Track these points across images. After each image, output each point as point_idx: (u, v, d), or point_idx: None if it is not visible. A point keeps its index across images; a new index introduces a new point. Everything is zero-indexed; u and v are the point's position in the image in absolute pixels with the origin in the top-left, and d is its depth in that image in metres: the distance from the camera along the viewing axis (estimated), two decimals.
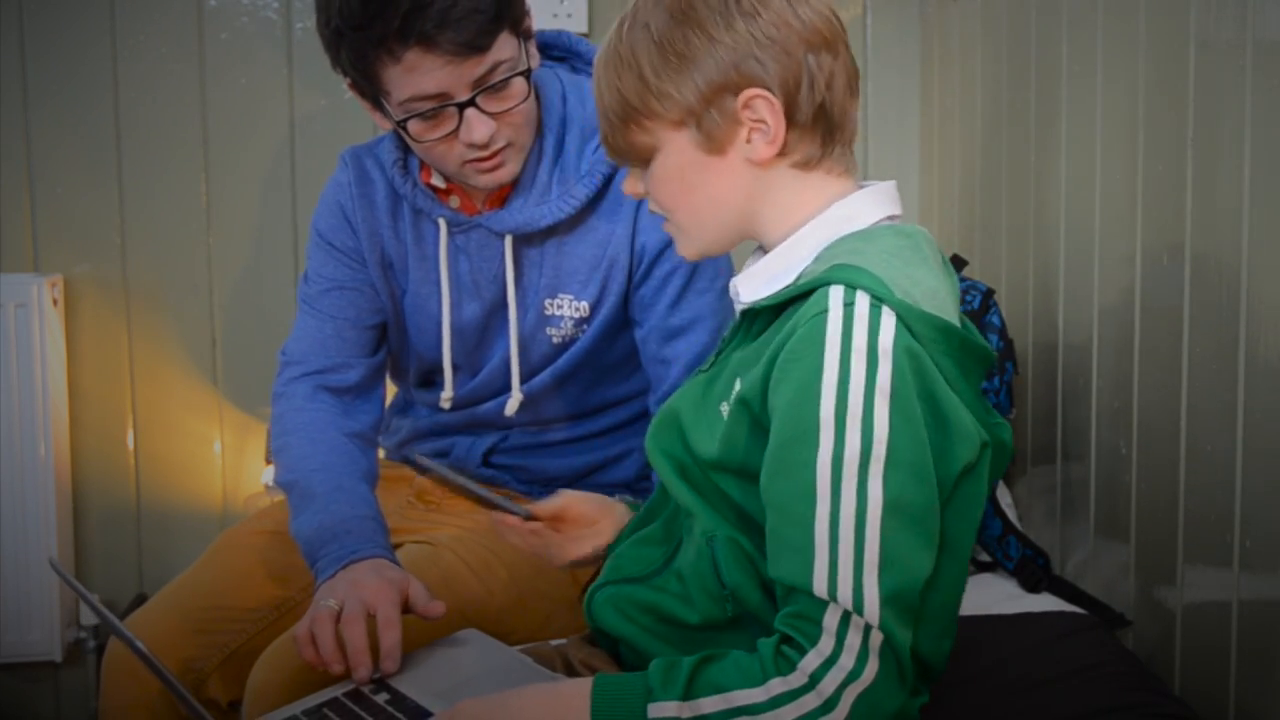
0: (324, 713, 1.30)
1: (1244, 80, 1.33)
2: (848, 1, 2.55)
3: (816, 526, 1.09)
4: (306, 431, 1.69)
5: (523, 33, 1.60)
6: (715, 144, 1.21)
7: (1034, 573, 1.77)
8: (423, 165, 1.70)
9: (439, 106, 1.56)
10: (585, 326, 1.71)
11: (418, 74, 1.54)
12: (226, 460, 2.55)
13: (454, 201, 1.71)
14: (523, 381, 1.74)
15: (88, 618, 2.50)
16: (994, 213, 2.09)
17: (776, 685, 1.08)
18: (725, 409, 1.20)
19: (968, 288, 1.84)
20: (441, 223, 1.70)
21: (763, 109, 1.19)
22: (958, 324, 1.20)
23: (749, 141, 1.21)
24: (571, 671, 1.34)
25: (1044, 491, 1.91)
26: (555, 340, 1.72)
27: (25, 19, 2.42)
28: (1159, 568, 1.56)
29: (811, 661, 1.08)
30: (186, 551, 2.20)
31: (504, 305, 1.72)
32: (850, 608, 1.08)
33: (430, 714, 1.26)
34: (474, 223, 1.69)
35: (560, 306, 1.71)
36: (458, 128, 1.57)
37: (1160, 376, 1.54)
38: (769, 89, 1.19)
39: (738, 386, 1.19)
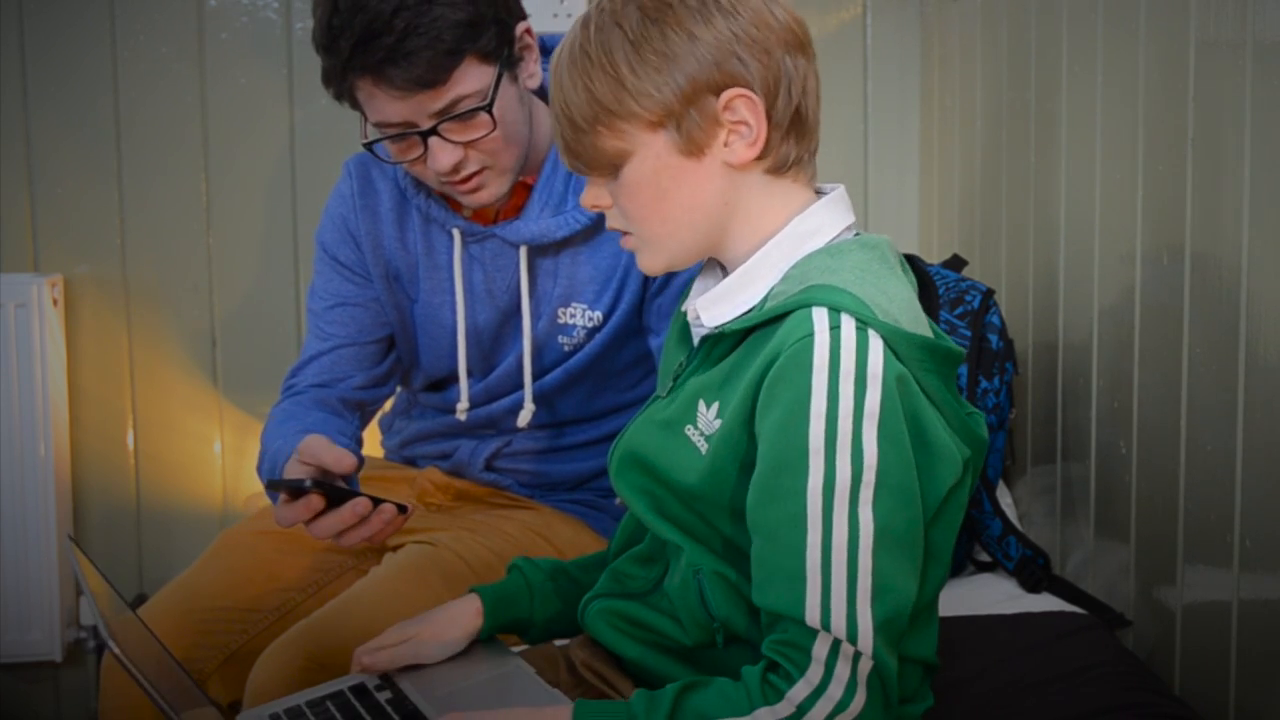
0: (326, 705, 1.31)
1: (1244, 80, 1.33)
2: (848, 1, 2.55)
3: (808, 555, 1.08)
4: (281, 416, 1.69)
5: (509, 59, 1.57)
6: (694, 146, 1.18)
7: (1034, 573, 1.77)
8: None
9: (402, 134, 1.56)
10: (597, 334, 1.71)
11: (376, 102, 1.55)
12: (226, 460, 2.55)
13: (467, 211, 1.69)
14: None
15: (87, 618, 2.50)
16: (994, 213, 2.09)
17: (764, 715, 1.08)
18: (693, 433, 1.18)
19: (968, 288, 1.84)
20: (456, 233, 1.69)
21: (744, 109, 1.17)
22: (930, 332, 1.19)
23: (727, 144, 1.18)
24: (574, 672, 1.34)
25: (1044, 491, 1.91)
26: (566, 348, 1.72)
27: (25, 19, 2.42)
28: (1159, 568, 1.56)
29: (800, 691, 1.08)
30: (186, 551, 2.20)
31: (517, 314, 1.71)
32: (843, 637, 1.07)
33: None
34: (488, 233, 1.68)
35: (573, 315, 1.70)
36: (424, 154, 1.57)
37: (1160, 376, 1.54)
38: (751, 88, 1.16)
39: (702, 409, 1.17)
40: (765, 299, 1.18)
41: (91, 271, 2.48)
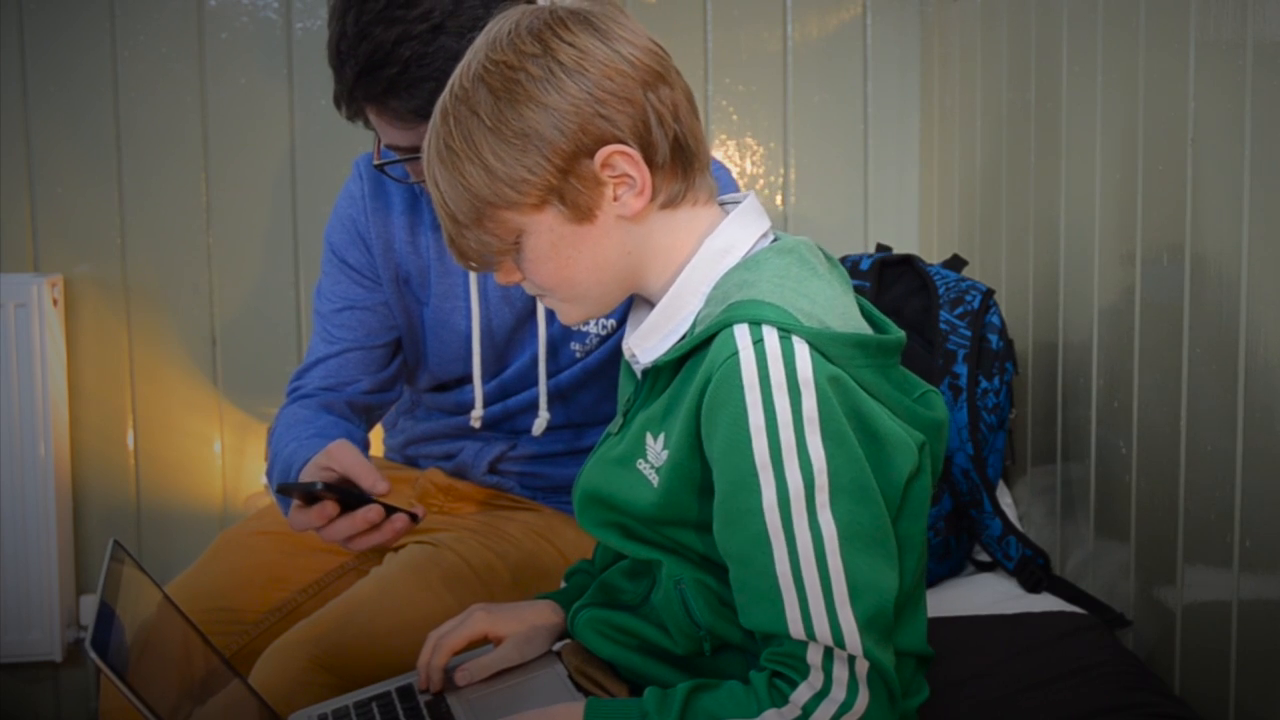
0: (370, 707, 1.33)
1: (1244, 80, 1.33)
2: (848, 1, 2.55)
3: (778, 571, 1.08)
4: (290, 419, 1.68)
5: None
6: (583, 212, 1.17)
7: (1034, 573, 1.77)
8: None
9: (411, 158, 1.56)
10: (609, 340, 1.71)
11: (382, 128, 1.55)
12: (226, 460, 2.55)
13: None
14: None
15: (88, 618, 2.50)
16: (994, 213, 2.09)
17: (771, 717, 1.09)
18: (644, 467, 1.18)
19: (968, 288, 1.84)
20: None
21: (622, 164, 1.15)
22: (861, 320, 1.18)
23: (616, 199, 1.17)
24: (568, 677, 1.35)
25: (1044, 491, 1.91)
26: (579, 355, 1.72)
27: (25, 19, 2.42)
28: (1159, 568, 1.56)
29: (803, 694, 1.09)
30: (186, 551, 2.21)
31: (530, 319, 1.71)
32: (830, 643, 1.08)
33: None
34: None
35: (587, 323, 1.70)
36: None
37: (1160, 376, 1.54)
38: (623, 141, 1.15)
39: (650, 442, 1.18)
40: (694, 325, 1.18)
41: (91, 271, 2.48)
